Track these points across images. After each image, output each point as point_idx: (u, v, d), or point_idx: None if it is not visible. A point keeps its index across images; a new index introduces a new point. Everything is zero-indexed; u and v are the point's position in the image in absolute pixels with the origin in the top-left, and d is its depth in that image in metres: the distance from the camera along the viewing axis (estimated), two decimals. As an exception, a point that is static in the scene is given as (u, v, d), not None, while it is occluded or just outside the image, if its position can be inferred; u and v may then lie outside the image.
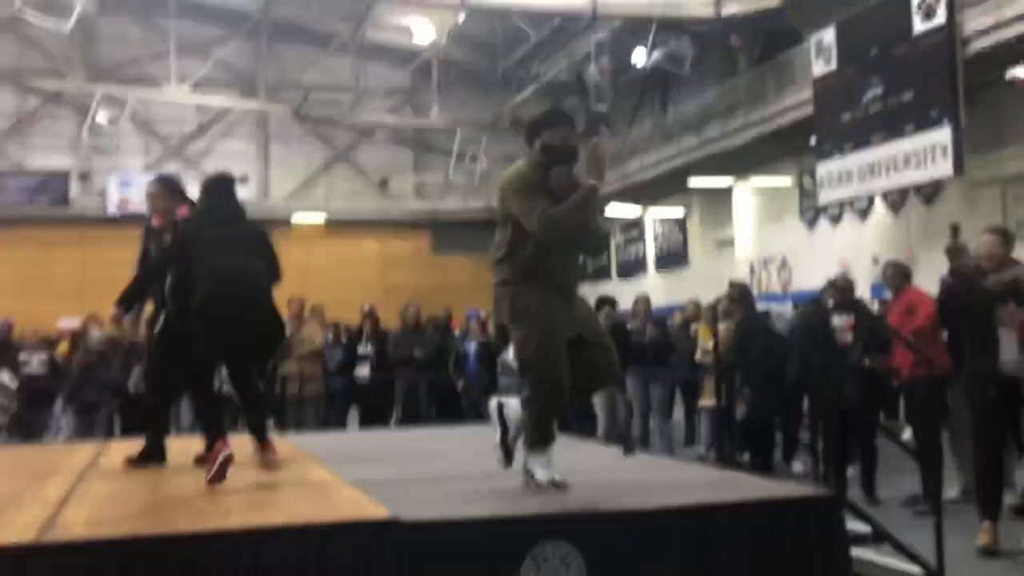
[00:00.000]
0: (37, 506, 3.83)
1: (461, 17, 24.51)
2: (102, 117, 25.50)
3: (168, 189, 5.50)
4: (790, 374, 7.88)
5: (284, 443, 5.73)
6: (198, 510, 3.88)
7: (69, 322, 21.99)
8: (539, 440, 4.09)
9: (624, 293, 16.72)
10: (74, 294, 24.11)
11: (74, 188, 25.79)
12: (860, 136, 15.93)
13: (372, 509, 3.62)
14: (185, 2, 25.88)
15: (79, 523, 3.51)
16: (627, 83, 24.36)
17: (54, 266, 24.92)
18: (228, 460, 4.29)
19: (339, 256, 26.71)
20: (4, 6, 23.46)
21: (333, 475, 4.56)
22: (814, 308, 8.92)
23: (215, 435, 4.53)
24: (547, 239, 4.01)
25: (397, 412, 10.84)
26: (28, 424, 10.30)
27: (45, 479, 4.65)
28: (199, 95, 26.65)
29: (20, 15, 23.12)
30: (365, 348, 11.09)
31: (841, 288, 8.05)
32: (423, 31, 26.06)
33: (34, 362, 10.62)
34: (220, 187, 5.24)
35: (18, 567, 3.05)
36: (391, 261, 27.64)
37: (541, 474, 4.04)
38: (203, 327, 4.69)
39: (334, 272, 25.74)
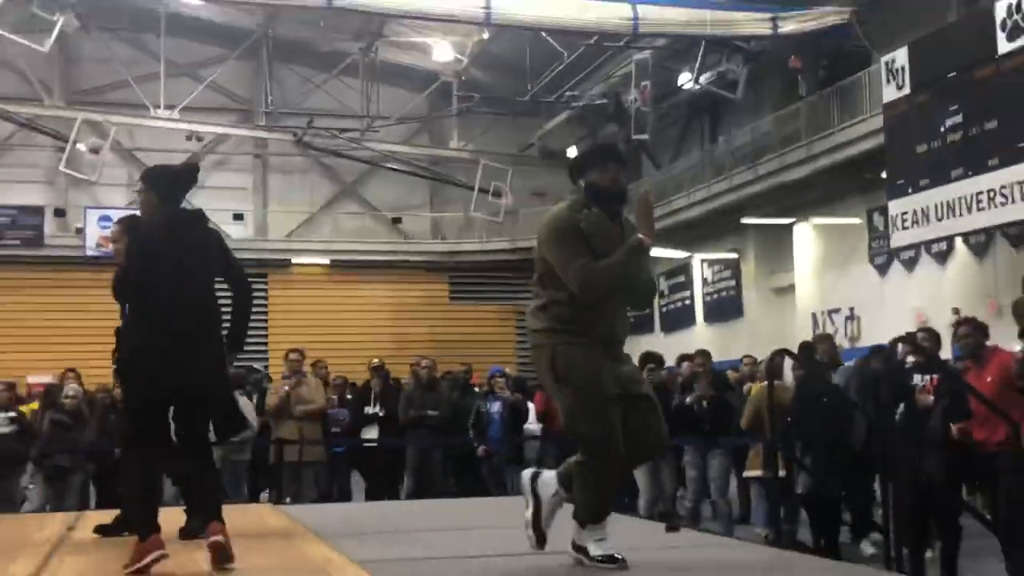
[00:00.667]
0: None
1: (485, 35, 24.88)
2: (82, 146, 25.92)
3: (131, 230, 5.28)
4: (858, 441, 7.82)
5: (279, 515, 5.75)
6: None
7: (40, 378, 22.29)
8: (595, 513, 4.08)
9: (669, 348, 16.67)
10: (47, 344, 24.37)
11: (49, 225, 26.12)
12: (937, 170, 15.89)
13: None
14: (176, 19, 26.35)
15: None
16: (671, 109, 24.54)
17: (25, 312, 25.19)
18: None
19: (345, 303, 26.84)
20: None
21: (336, 554, 4.57)
22: (881, 362, 8.83)
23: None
24: (585, 298, 4.04)
25: (409, 481, 10.80)
26: None
27: (12, 554, 4.68)
28: (190, 121, 27.06)
29: (-7, 31, 23.70)
30: (373, 408, 11.11)
31: (921, 344, 7.99)
32: (442, 51, 26.45)
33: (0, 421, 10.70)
34: None
35: None
36: (404, 309, 27.73)
37: (597, 549, 4.03)
38: None
39: (339, 321, 25.92)
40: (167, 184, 4.79)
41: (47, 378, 22.22)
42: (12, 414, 10.78)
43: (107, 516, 5.52)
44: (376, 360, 12.35)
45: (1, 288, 25.19)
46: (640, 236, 4.07)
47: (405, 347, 26.23)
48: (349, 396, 11.76)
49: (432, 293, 28.45)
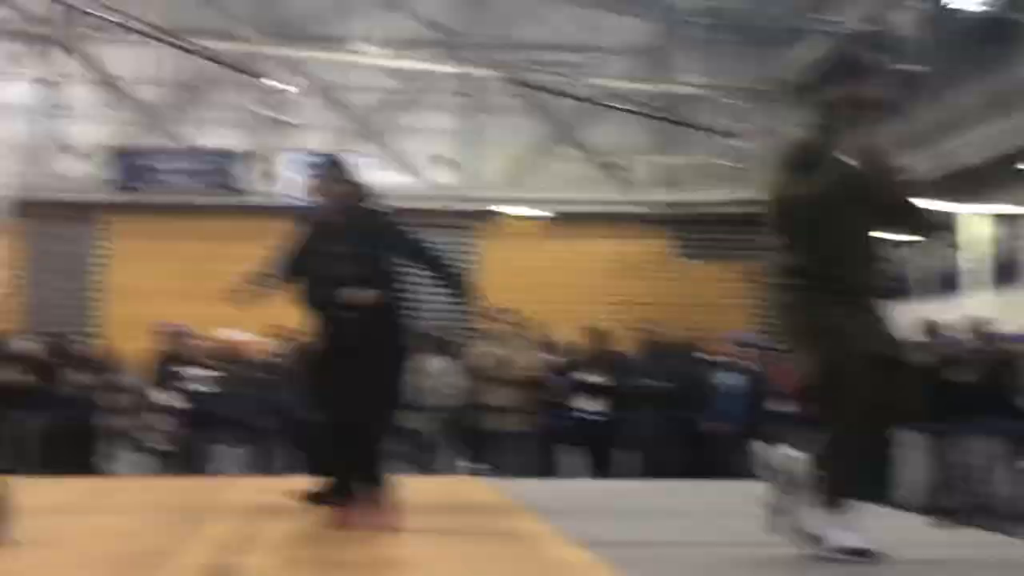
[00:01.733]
0: (203, 551, 4.13)
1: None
2: (281, 87, 27.12)
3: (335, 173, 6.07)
4: None
5: (486, 489, 5.90)
6: (386, 564, 3.99)
7: (239, 334, 23.56)
8: (839, 495, 4.03)
9: (938, 315, 16.07)
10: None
11: (246, 171, 27.41)
12: None
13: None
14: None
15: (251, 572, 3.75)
16: (948, 36, 23.50)
17: (222, 264, 26.47)
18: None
19: (561, 259, 27.00)
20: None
21: (551, 531, 4.64)
22: None
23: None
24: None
25: (628, 458, 10.88)
26: (194, 452, 10.90)
27: (215, 517, 5.06)
28: (395, 58, 27.84)
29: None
30: (590, 376, 11.25)
31: None
32: (675, -29, 26.21)
33: (201, 380, 11.23)
34: None
35: None
36: (626, 267, 27.73)
37: (842, 539, 3.96)
38: None
39: (554, 279, 26.10)
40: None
41: (243, 334, 23.58)
42: (213, 373, 11.47)
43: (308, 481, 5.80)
44: (594, 323, 12.42)
45: (197, 237, 26.57)
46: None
47: (626, 309, 26.35)
48: (562, 361, 11.92)
49: (659, 250, 28.30)
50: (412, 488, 5.19)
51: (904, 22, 22.64)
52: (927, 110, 24.98)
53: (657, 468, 10.36)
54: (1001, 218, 24.00)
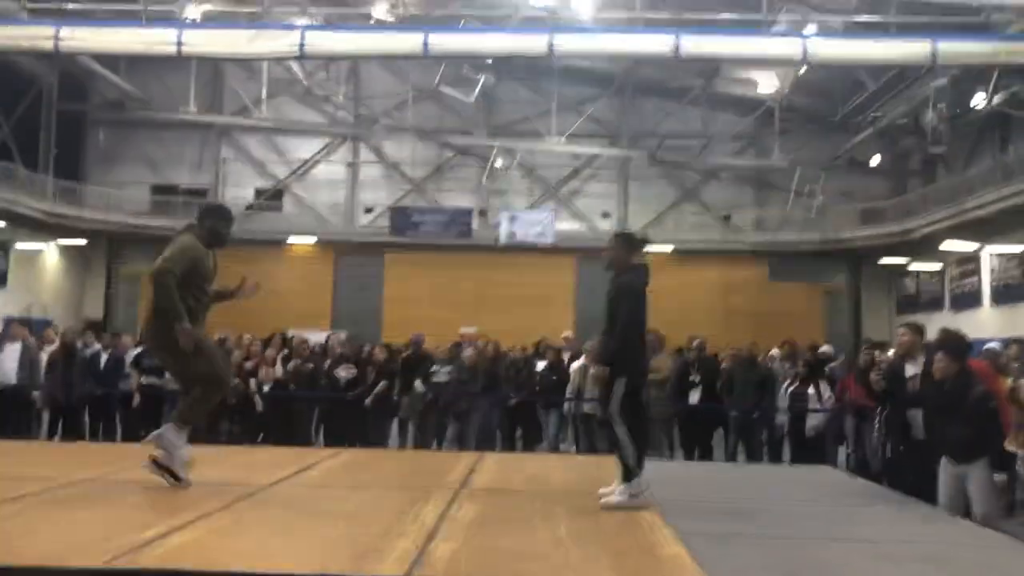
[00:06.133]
0: (413, 532, 4.05)
1: (803, 70, 23.94)
2: (498, 165, 27.82)
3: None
4: None
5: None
6: (543, 559, 3.75)
7: (468, 329, 24.37)
8: None
9: (959, 325, 15.48)
10: (472, 307, 26.55)
11: (475, 222, 28.15)
12: None
13: None
14: (565, 69, 27.45)
15: (443, 557, 3.63)
16: (965, 125, 22.45)
17: (458, 284, 27.46)
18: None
19: (684, 282, 26.97)
20: (427, 81, 26.44)
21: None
22: None
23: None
24: None
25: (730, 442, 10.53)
26: (435, 428, 10.84)
27: (427, 494, 5.02)
28: (573, 145, 28.17)
29: (439, 88, 26.01)
30: (695, 376, 11.16)
31: None
32: (767, 82, 25.71)
33: (442, 372, 11.10)
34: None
35: None
36: (731, 287, 27.45)
37: None
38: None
39: (679, 296, 26.01)
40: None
41: (472, 329, 24.34)
42: (449, 368, 11.57)
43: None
44: (697, 339, 12.29)
45: (443, 267, 27.55)
46: None
47: (732, 317, 26.07)
48: (680, 365, 11.70)
49: (755, 274, 27.87)
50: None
51: (932, 115, 21.69)
52: (948, 178, 23.96)
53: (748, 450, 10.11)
54: (1002, 255, 22.78)
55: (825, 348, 12.22)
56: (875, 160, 26.95)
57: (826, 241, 26.62)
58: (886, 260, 25.85)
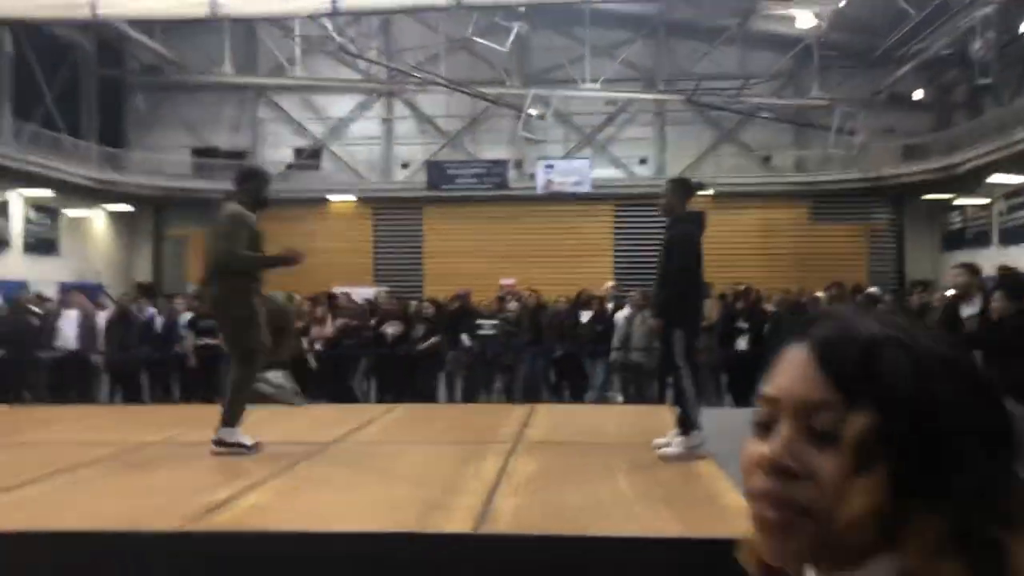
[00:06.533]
0: (475, 487, 4.14)
1: (842, 3, 23.27)
2: (532, 114, 27.52)
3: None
4: None
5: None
6: (606, 511, 3.83)
7: (508, 280, 24.42)
8: None
9: (1007, 261, 15.16)
10: (511, 258, 26.53)
11: (511, 173, 28.01)
12: None
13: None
14: (597, 13, 26.93)
15: (508, 512, 3.70)
16: (1013, 54, 21.69)
17: (497, 236, 27.43)
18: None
19: (723, 225, 26.54)
20: (459, 32, 26.14)
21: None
22: None
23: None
24: None
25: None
26: (482, 381, 10.99)
27: (484, 449, 5.10)
28: (608, 90, 27.77)
29: (471, 37, 25.69)
30: (742, 323, 11.14)
31: None
32: (805, 18, 25.02)
33: (487, 326, 11.20)
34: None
35: (455, 558, 3.26)
36: (772, 229, 27.07)
37: None
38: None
39: (719, 240, 25.64)
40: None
41: (511, 280, 24.39)
42: (495, 321, 11.66)
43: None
44: (743, 284, 12.23)
45: (479, 219, 27.50)
46: None
47: (773, 260, 25.79)
48: (723, 310, 11.67)
49: (795, 216, 27.46)
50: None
51: (979, 45, 20.98)
52: (995, 110, 23.25)
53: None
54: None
55: (873, 289, 12.04)
56: (918, 94, 26.23)
57: (868, 179, 26.08)
58: (930, 197, 25.28)
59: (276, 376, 5.38)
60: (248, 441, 5.21)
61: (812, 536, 0.73)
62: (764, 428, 0.78)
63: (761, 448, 0.76)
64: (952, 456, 0.72)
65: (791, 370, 0.77)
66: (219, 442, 5.19)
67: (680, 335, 4.98)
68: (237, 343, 5.30)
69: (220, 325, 5.70)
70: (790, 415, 0.75)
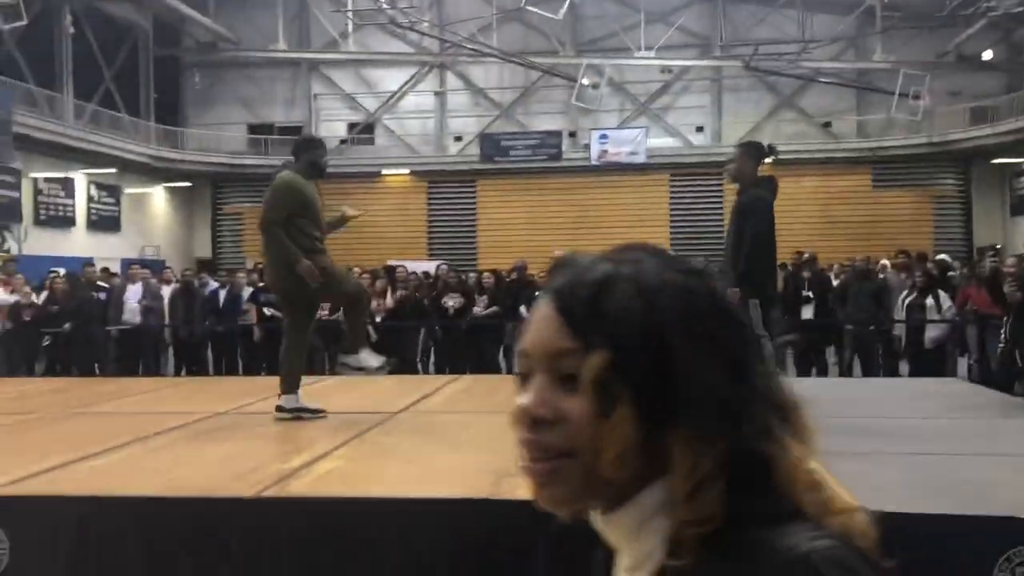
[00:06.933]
0: None
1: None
2: (586, 83, 27.26)
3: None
4: None
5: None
6: None
7: (562, 252, 24.33)
8: None
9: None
10: (565, 230, 26.44)
11: (565, 144, 27.85)
12: None
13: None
14: (650, -21, 26.56)
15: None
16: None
17: (551, 207, 27.36)
18: None
19: (782, 194, 25.93)
20: (512, 2, 25.93)
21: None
22: None
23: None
24: None
25: (842, 356, 10.29)
26: None
27: None
28: (663, 58, 27.36)
29: (524, 7, 25.45)
30: (806, 291, 10.92)
31: None
32: (868, -22, 24.35)
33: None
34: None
35: (531, 524, 3.46)
36: (832, 197, 26.51)
37: None
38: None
39: (777, 209, 25.28)
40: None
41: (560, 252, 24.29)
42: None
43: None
44: (807, 253, 12.07)
45: (534, 191, 27.45)
46: None
47: (833, 227, 25.28)
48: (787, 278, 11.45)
49: (856, 183, 26.85)
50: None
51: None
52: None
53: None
54: None
55: (943, 256, 11.71)
56: (987, 55, 25.35)
57: (933, 144, 25.36)
58: (999, 160, 24.50)
59: (364, 356, 5.42)
60: (311, 406, 5.25)
61: (579, 479, 0.75)
62: (524, 381, 0.80)
63: (519, 400, 0.78)
64: (687, 380, 0.73)
65: (537, 322, 0.79)
66: (281, 409, 5.24)
67: (755, 306, 4.87)
68: (287, 310, 5.33)
69: (273, 291, 5.78)
70: (541, 366, 0.78)
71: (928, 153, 25.53)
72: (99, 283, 12.28)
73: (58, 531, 3.52)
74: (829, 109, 27.60)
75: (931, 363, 9.21)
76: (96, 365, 10.99)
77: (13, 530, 3.42)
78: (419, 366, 10.94)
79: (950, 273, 10.60)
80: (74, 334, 10.57)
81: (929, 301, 9.53)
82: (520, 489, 3.55)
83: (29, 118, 21.03)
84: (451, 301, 10.69)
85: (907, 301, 9.69)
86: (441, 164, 28.04)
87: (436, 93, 28.94)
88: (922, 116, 25.59)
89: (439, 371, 10.44)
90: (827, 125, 27.62)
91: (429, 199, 28.16)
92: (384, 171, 27.95)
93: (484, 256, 25.35)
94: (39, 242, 21.41)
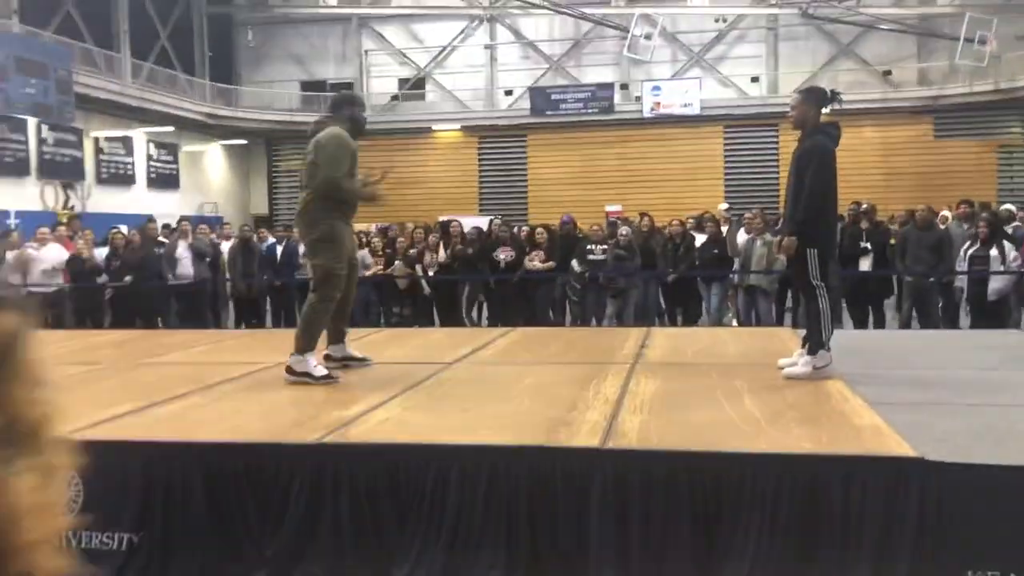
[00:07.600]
0: (598, 405, 4.15)
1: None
2: (638, 34, 26.75)
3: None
4: None
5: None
6: (735, 429, 3.74)
7: (613, 207, 24.16)
8: None
9: None
10: (617, 184, 26.20)
11: (617, 96, 27.46)
12: None
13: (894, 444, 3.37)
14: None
15: (633, 429, 3.69)
16: None
17: (603, 161, 27.08)
18: None
19: (841, 144, 25.47)
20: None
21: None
22: None
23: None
24: None
25: (904, 310, 10.05)
26: (594, 307, 10.83)
27: (604, 369, 5.10)
28: (717, 6, 26.69)
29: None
30: (864, 243, 10.68)
31: None
32: (933, -81, 23.35)
33: (598, 251, 11.42)
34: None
35: (586, 471, 3.32)
36: (892, 147, 25.79)
37: None
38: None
39: (837, 160, 24.74)
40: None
41: (618, 208, 24.13)
42: (605, 246, 11.37)
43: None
44: (864, 204, 11.76)
45: (585, 145, 27.15)
46: None
47: (893, 179, 24.64)
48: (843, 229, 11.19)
49: (918, 133, 26.05)
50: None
51: None
52: None
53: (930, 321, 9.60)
54: None
55: (1008, 206, 11.34)
56: (1059, -4, 24.25)
57: (999, 91, 24.42)
58: (1070, 107, 23.56)
59: (311, 361, 5.09)
60: (319, 372, 5.01)
61: None
62: None
63: None
64: None
65: None
66: (289, 370, 5.04)
67: (815, 253, 4.81)
68: (313, 265, 5.22)
69: (303, 244, 5.69)
70: None
71: (993, 101, 24.62)
72: (160, 239, 12.55)
73: (127, 475, 3.65)
74: (889, 57, 26.71)
75: (994, 315, 8.98)
76: (159, 319, 11.26)
77: (85, 474, 3.54)
78: (467, 319, 10.99)
79: (1015, 224, 10.26)
80: (135, 287, 10.83)
81: (993, 252, 9.26)
82: (575, 438, 3.57)
83: (89, 78, 21.40)
84: (503, 255, 10.69)
85: (970, 252, 9.43)
86: (492, 119, 27.88)
87: (486, 47, 28.67)
88: (988, 62, 24.64)
89: (492, 324, 10.48)
90: (887, 73, 26.77)
91: (480, 154, 28.08)
92: (435, 127, 27.90)
93: (535, 211, 25.28)
94: (101, 200, 21.91)
